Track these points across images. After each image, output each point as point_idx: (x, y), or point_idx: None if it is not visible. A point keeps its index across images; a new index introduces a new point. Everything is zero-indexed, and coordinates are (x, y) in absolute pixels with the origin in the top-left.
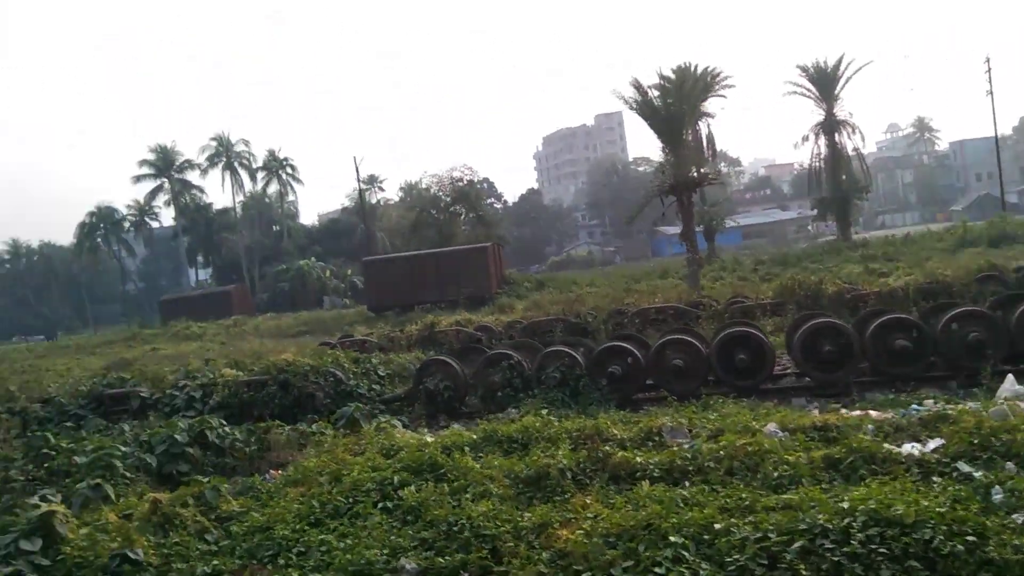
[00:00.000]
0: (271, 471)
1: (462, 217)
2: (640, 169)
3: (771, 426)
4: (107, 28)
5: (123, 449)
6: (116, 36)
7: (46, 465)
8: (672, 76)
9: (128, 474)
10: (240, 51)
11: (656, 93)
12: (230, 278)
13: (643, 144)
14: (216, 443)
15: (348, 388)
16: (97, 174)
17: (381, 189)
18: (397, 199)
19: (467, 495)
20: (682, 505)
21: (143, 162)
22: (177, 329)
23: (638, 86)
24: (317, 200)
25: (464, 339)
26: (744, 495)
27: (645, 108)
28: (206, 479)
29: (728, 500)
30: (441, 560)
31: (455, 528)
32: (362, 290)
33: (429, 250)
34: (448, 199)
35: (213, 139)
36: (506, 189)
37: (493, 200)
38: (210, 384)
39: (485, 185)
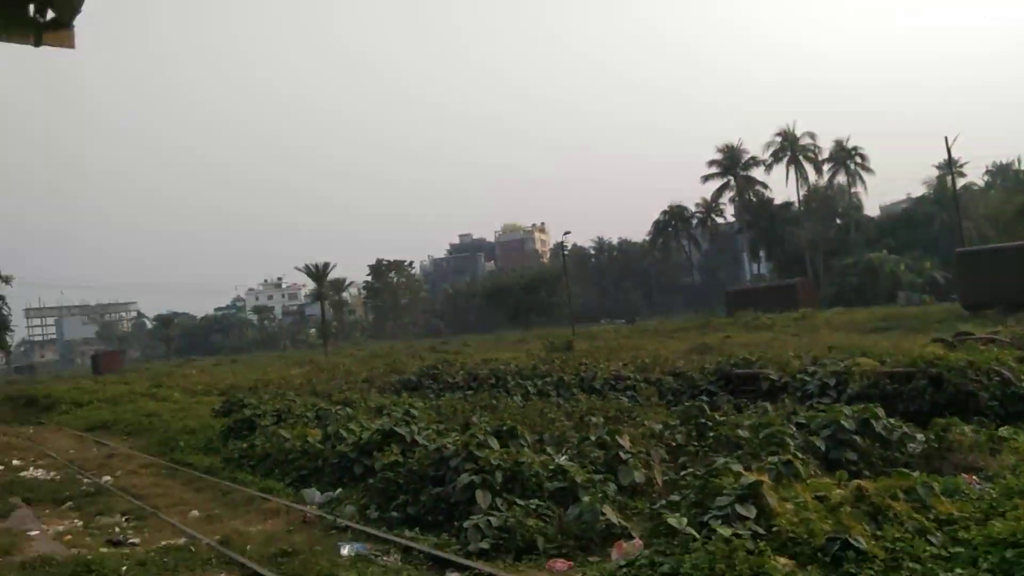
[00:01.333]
0: (964, 475)
1: None
2: None
3: None
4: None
5: (792, 429)
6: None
7: (711, 435)
8: None
9: (799, 455)
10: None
11: None
12: (791, 271)
13: None
14: (882, 435)
15: (1020, 390)
16: (671, 176)
17: (962, 174)
18: (982, 183)
19: None
20: None
21: (711, 162)
22: (746, 320)
23: None
24: (877, 190)
25: None
26: None
27: None
28: (915, 473)
29: None
30: None
31: None
32: (945, 285)
33: None
34: None
35: (778, 134)
36: None
37: None
38: (843, 372)
39: None
